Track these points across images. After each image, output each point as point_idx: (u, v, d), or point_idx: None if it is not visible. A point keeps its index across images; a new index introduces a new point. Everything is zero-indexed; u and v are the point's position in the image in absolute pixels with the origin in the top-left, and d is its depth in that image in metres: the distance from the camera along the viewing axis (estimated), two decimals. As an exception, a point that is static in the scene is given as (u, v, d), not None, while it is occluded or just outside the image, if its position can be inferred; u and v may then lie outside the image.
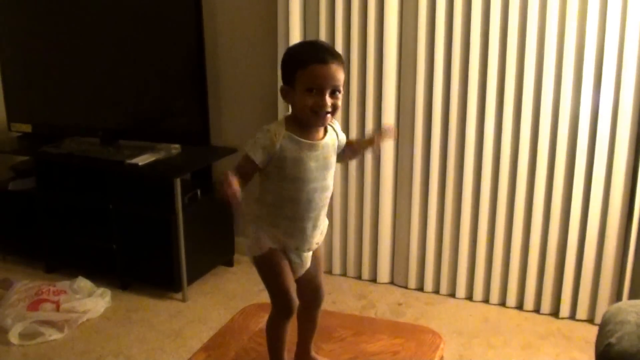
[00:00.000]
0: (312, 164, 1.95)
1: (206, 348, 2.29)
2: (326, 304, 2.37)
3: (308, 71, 1.88)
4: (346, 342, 2.29)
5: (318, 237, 2.08)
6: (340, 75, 1.91)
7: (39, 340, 3.39)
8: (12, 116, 4.31)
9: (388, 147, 3.71)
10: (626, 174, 3.27)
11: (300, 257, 2.06)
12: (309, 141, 1.95)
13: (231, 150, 4.02)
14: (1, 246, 4.31)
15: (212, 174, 4.16)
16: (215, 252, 4.12)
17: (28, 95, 4.27)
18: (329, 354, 2.20)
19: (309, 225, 2.02)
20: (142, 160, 3.76)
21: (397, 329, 2.42)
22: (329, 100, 1.89)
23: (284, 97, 1.96)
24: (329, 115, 1.92)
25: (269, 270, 2.03)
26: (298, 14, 3.74)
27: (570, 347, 3.29)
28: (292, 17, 3.72)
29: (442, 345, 2.29)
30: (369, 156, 2.11)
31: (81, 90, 4.12)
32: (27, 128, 4.27)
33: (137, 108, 4.04)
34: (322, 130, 2.00)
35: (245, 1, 3.99)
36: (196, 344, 2.96)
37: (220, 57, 4.09)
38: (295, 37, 3.74)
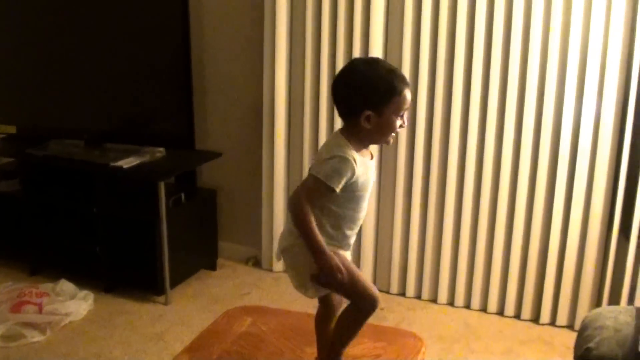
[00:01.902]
0: (371, 182, 2.04)
1: (189, 350, 2.30)
2: (309, 309, 2.39)
3: (402, 97, 1.95)
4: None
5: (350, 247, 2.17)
6: None
7: (21, 342, 3.38)
8: (-5, 117, 4.30)
9: (372, 149, 3.72)
10: (607, 183, 3.32)
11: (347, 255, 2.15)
12: (371, 160, 2.04)
13: (216, 155, 4.03)
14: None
15: (197, 177, 4.17)
16: (199, 256, 4.14)
17: (13, 97, 4.25)
18: (312, 356, 2.22)
19: (351, 241, 2.14)
20: (126, 163, 3.76)
21: (379, 333, 2.44)
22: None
23: (366, 122, 1.96)
24: None
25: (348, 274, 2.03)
26: (284, 20, 3.77)
27: (551, 353, 3.33)
28: (278, 23, 3.75)
29: (423, 349, 2.32)
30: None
31: (67, 92, 4.12)
32: (11, 129, 4.25)
33: (122, 111, 4.04)
34: (369, 149, 2.08)
35: (232, 7, 4.01)
36: (179, 347, 2.97)
37: (206, 62, 4.10)
38: (282, 44, 3.77)
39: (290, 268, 2.11)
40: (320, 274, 1.96)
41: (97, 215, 3.82)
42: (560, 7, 3.21)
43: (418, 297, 3.85)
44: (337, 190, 1.92)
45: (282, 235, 2.12)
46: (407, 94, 1.96)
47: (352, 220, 2.04)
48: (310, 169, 2.00)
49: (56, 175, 4.03)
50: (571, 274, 3.47)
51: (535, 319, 3.60)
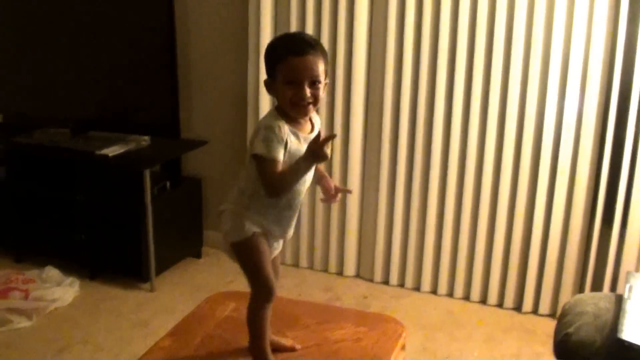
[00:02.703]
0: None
1: (172, 334, 2.32)
2: (292, 296, 2.41)
3: (286, 64, 1.92)
4: (310, 330, 2.33)
5: (291, 231, 2.14)
6: (319, 66, 1.94)
7: (7, 327, 3.40)
8: (-18, 105, 4.30)
9: (356, 142, 3.76)
10: (589, 173, 3.36)
11: (279, 243, 2.12)
12: (304, 134, 2.00)
13: (200, 143, 4.05)
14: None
15: (182, 166, 4.18)
16: (184, 244, 4.15)
17: (-1, 85, 4.26)
18: (293, 340, 2.24)
19: (293, 213, 2.08)
20: (112, 151, 3.78)
21: (360, 318, 2.46)
22: (308, 92, 1.93)
23: (269, 90, 2.00)
24: (310, 106, 1.96)
25: (252, 254, 2.04)
26: (269, 10, 3.77)
27: (533, 341, 3.36)
28: (263, 12, 3.76)
29: (404, 334, 2.34)
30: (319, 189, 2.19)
31: (53, 81, 4.13)
32: (-3, 118, 4.27)
33: (108, 100, 4.06)
34: (308, 123, 2.04)
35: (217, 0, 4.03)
36: (163, 333, 2.96)
37: (191, 51, 4.11)
38: (266, 32, 3.77)
39: (221, 230, 2.12)
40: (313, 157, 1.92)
41: (82, 203, 3.84)
42: (544, 7, 3.25)
43: (401, 285, 3.88)
44: (279, 157, 1.91)
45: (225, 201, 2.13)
46: (294, 61, 1.92)
47: (292, 194, 2.03)
48: (248, 149, 2.00)
49: (41, 164, 4.03)
50: (554, 262, 3.51)
51: (518, 307, 3.64)
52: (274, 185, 1.93)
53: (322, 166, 2.20)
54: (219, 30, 4.06)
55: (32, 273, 3.78)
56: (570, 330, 2.11)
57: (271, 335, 2.19)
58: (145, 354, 2.22)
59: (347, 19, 3.64)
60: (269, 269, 2.06)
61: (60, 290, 3.68)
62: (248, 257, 2.06)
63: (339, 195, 2.26)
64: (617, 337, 1.98)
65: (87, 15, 3.97)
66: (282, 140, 1.92)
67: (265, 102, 3.85)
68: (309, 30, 3.69)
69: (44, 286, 3.68)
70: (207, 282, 3.89)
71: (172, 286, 3.87)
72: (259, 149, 1.91)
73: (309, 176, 2.06)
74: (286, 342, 2.23)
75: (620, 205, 3.32)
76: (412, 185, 3.72)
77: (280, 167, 1.92)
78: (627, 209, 3.32)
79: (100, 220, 3.86)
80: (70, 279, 3.79)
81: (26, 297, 3.57)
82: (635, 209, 3.30)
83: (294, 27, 3.72)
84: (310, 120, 2.06)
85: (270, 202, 2.00)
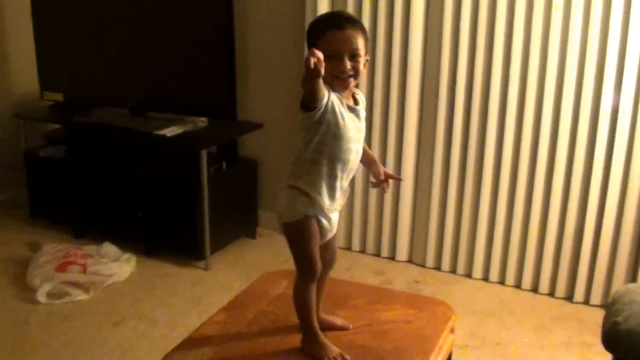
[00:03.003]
0: (351, 124, 2.02)
1: (226, 309, 2.38)
2: (341, 276, 2.44)
3: (326, 38, 1.96)
4: (361, 310, 2.36)
5: (342, 199, 2.15)
6: (358, 40, 1.97)
7: (66, 300, 3.51)
8: (44, 85, 4.41)
9: (411, 125, 3.78)
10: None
11: (329, 220, 2.13)
12: (355, 105, 2.05)
13: (257, 126, 4.11)
14: (32, 211, 4.43)
15: (238, 148, 4.24)
16: (239, 224, 4.23)
17: (61, 65, 4.36)
18: (344, 319, 2.28)
19: (339, 184, 2.09)
20: (170, 131, 3.86)
21: (411, 300, 2.49)
22: (348, 64, 1.96)
23: None
24: (351, 79, 1.99)
25: (302, 236, 2.08)
26: (325, 5, 3.81)
27: (582, 331, 3.35)
28: (320, 7, 3.80)
29: (453, 318, 2.36)
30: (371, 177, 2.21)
31: (112, 61, 4.22)
32: (59, 97, 4.36)
33: (166, 81, 4.12)
34: (351, 99, 2.07)
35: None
36: (217, 310, 3.05)
37: (248, 35, 4.17)
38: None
39: (276, 208, 2.16)
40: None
41: (140, 182, 3.93)
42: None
43: (453, 271, 3.89)
44: (318, 104, 1.94)
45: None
46: (333, 35, 1.96)
47: (331, 157, 2.03)
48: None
49: (101, 142, 4.14)
50: (606, 253, 3.49)
51: (569, 297, 3.63)
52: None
53: (373, 152, 2.22)
54: (276, 15, 4.11)
55: (90, 248, 3.88)
56: (619, 319, 2.11)
57: (323, 315, 2.24)
58: (200, 327, 2.29)
59: (403, 11, 3.66)
60: (316, 250, 2.10)
61: (117, 265, 3.77)
62: (297, 239, 2.10)
63: (390, 182, 2.29)
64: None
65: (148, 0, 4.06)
66: (328, 98, 1.96)
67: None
68: (365, 19, 3.71)
69: (102, 261, 3.78)
70: (261, 262, 3.95)
71: (226, 265, 3.94)
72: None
73: (354, 147, 2.07)
74: (338, 321, 2.27)
75: (677, 198, 3.29)
76: (465, 172, 3.72)
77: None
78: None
79: (157, 198, 3.95)
80: (127, 255, 3.88)
81: (84, 271, 3.67)
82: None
83: (351, 11, 3.74)
84: (354, 96, 2.09)
85: (318, 169, 2.03)
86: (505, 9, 3.42)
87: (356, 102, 2.09)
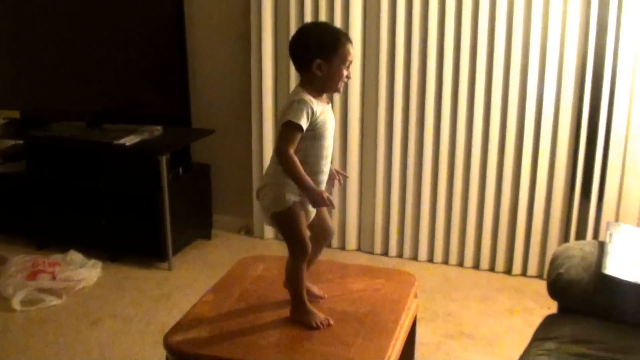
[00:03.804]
0: (330, 123, 2.34)
1: (213, 290, 2.62)
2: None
3: (346, 49, 2.28)
4: (334, 283, 2.64)
5: (323, 186, 2.43)
6: None
7: (40, 306, 3.67)
8: (0, 103, 4.55)
9: (354, 118, 4.11)
10: (568, 150, 3.72)
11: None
12: (327, 105, 2.35)
13: (209, 132, 4.33)
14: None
15: (191, 153, 4.47)
16: (196, 227, 4.46)
17: (15, 83, 4.53)
18: (319, 293, 2.55)
19: (324, 178, 2.39)
20: (128, 140, 4.05)
21: (377, 272, 2.79)
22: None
23: (317, 69, 2.28)
24: None
25: (292, 222, 2.33)
26: (269, 10, 4.08)
27: (524, 299, 3.70)
28: (264, 13, 4.07)
29: (416, 283, 2.66)
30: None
31: (67, 76, 4.40)
32: (15, 114, 4.52)
33: (121, 92, 4.34)
34: (325, 100, 2.37)
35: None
36: (185, 305, 3.20)
37: (198, 48, 4.40)
38: (267, 30, 4.10)
39: (261, 205, 2.43)
40: (313, 204, 2.30)
41: (102, 190, 4.12)
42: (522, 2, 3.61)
43: (400, 256, 4.20)
44: (304, 125, 2.24)
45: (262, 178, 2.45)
46: (350, 48, 2.30)
47: (317, 156, 2.33)
48: (279, 122, 2.31)
49: (60, 155, 4.30)
50: (539, 231, 3.86)
51: (508, 270, 3.98)
52: (285, 152, 2.24)
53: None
54: (224, 29, 4.36)
55: (56, 257, 4.03)
56: (561, 270, 2.44)
57: (308, 283, 2.51)
58: (193, 307, 2.52)
59: (342, 21, 3.96)
60: (306, 231, 2.37)
61: (85, 271, 3.94)
62: (288, 224, 2.35)
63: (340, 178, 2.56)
64: (602, 273, 2.32)
65: (101, 13, 4.25)
66: (312, 112, 2.25)
67: (268, 95, 4.19)
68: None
69: (69, 268, 3.94)
70: (219, 260, 4.17)
71: (187, 264, 4.17)
72: (290, 116, 2.24)
73: (332, 141, 2.38)
74: (317, 290, 2.54)
75: (597, 180, 3.67)
76: (406, 165, 4.05)
77: (299, 136, 2.25)
78: (603, 183, 3.68)
79: (119, 205, 4.16)
80: (92, 261, 4.04)
81: (54, 278, 3.83)
82: (610, 184, 3.66)
83: (293, 23, 4.02)
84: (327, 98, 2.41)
85: (305, 167, 2.29)
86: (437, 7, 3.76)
87: (328, 100, 2.39)
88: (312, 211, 2.42)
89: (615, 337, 2.22)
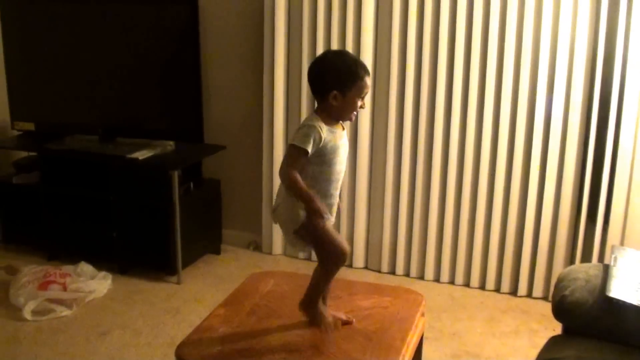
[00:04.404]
0: (342, 150, 2.39)
1: (224, 304, 2.66)
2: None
3: (363, 82, 2.35)
4: (343, 300, 2.68)
5: (334, 209, 2.49)
6: None
7: (51, 316, 3.72)
8: (15, 115, 4.62)
9: (364, 143, 4.16)
10: (575, 175, 3.77)
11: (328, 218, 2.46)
12: (342, 131, 2.40)
13: (220, 147, 4.40)
14: (3, 236, 4.64)
15: (202, 168, 4.53)
16: (205, 241, 4.51)
17: (31, 95, 4.59)
18: (329, 308, 2.59)
19: (333, 201, 2.44)
20: (141, 155, 4.12)
21: (385, 290, 2.84)
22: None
23: (333, 99, 2.34)
24: None
25: (316, 229, 2.36)
26: (282, 28, 4.15)
27: (528, 320, 3.74)
28: (277, 31, 4.14)
29: (423, 302, 2.71)
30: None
31: (82, 90, 4.47)
32: (29, 126, 4.58)
33: (135, 107, 4.40)
34: (341, 127, 2.43)
35: (235, 16, 4.40)
36: (194, 319, 3.31)
37: (212, 66, 4.47)
38: (280, 47, 4.16)
39: (280, 226, 2.48)
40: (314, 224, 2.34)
41: (114, 203, 4.18)
42: (532, 11, 3.65)
43: (407, 274, 4.25)
44: (309, 150, 2.29)
45: (275, 199, 2.50)
46: (367, 80, 2.36)
47: (327, 181, 2.39)
48: (288, 143, 2.38)
49: (73, 167, 4.37)
50: (545, 252, 3.90)
51: (514, 292, 4.02)
52: (289, 173, 2.30)
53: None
54: (237, 46, 4.44)
55: (67, 268, 4.08)
56: (566, 292, 2.48)
57: (330, 311, 2.55)
58: (205, 320, 2.56)
59: (354, 39, 4.03)
60: (336, 232, 2.43)
61: (95, 283, 4.00)
62: (313, 236, 2.39)
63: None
64: (606, 295, 2.36)
65: (116, 28, 4.32)
66: (319, 138, 2.31)
67: (279, 113, 4.26)
68: (319, 41, 4.09)
69: (80, 280, 4.00)
70: (228, 275, 4.24)
71: (196, 279, 4.22)
72: (297, 140, 2.30)
73: (344, 167, 2.43)
74: (343, 316, 2.56)
75: (602, 203, 3.71)
76: (415, 186, 4.10)
77: (304, 160, 2.30)
78: (609, 206, 3.71)
79: (130, 218, 4.21)
80: (103, 273, 4.10)
81: (64, 289, 3.89)
82: (616, 207, 3.70)
83: (306, 41, 4.10)
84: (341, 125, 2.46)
85: (315, 186, 2.35)
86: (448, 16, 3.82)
87: (343, 127, 2.45)
88: (331, 218, 2.46)
89: (619, 359, 2.26)
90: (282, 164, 2.35)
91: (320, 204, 2.30)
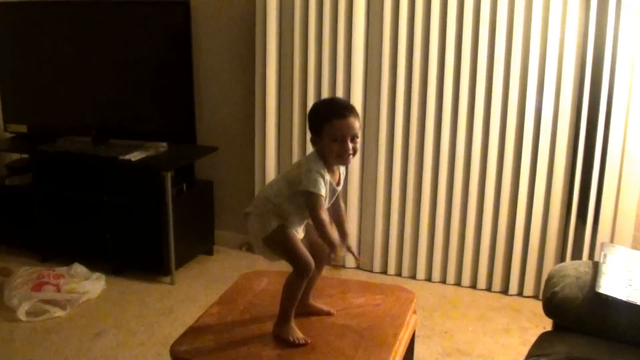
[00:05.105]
0: (330, 195, 2.43)
1: (219, 303, 2.69)
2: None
3: (332, 125, 2.34)
4: (336, 298, 2.71)
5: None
6: (357, 125, 2.37)
7: (45, 317, 3.74)
8: (8, 117, 4.64)
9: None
10: (565, 175, 3.80)
11: (298, 232, 2.51)
12: (334, 181, 2.43)
13: (212, 149, 4.42)
14: (-2, 238, 4.65)
15: (195, 169, 4.55)
16: (198, 242, 4.54)
17: (24, 97, 4.62)
18: (328, 306, 2.63)
19: (304, 216, 2.47)
20: (134, 156, 4.14)
21: (377, 288, 2.86)
22: (350, 146, 2.36)
23: (313, 144, 2.40)
24: (351, 157, 2.39)
25: (284, 241, 2.43)
26: (274, 31, 4.18)
27: (519, 318, 3.77)
28: (269, 34, 4.16)
29: (415, 300, 2.74)
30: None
31: (75, 92, 4.50)
32: (22, 128, 4.60)
33: (128, 109, 4.43)
34: (337, 172, 2.46)
35: (227, 18, 4.43)
36: (188, 319, 3.31)
37: (204, 68, 4.51)
38: (272, 50, 4.19)
39: (249, 231, 2.52)
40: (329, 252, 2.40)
41: (107, 205, 4.20)
42: (522, 14, 3.68)
43: (398, 274, 4.28)
44: (323, 193, 2.35)
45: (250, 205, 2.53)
46: (339, 123, 2.32)
47: (304, 213, 2.43)
48: (301, 183, 2.37)
49: (66, 169, 4.39)
50: (536, 251, 3.93)
51: (505, 290, 4.05)
52: (317, 216, 2.34)
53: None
54: (229, 49, 4.46)
55: (61, 269, 4.10)
56: (557, 289, 2.51)
57: (311, 301, 2.61)
58: (199, 318, 2.59)
59: (345, 44, 4.06)
60: (302, 247, 2.45)
61: (88, 284, 4.02)
62: (282, 244, 2.44)
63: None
64: (596, 292, 2.39)
65: (109, 30, 4.35)
66: (325, 180, 2.36)
67: (271, 114, 4.28)
68: (311, 45, 4.11)
69: (73, 281, 4.01)
70: (221, 275, 4.26)
71: (190, 279, 4.24)
72: (311, 187, 2.33)
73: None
74: (324, 307, 2.62)
75: (592, 204, 3.75)
76: (406, 185, 4.13)
77: (323, 199, 2.36)
78: (598, 205, 3.75)
79: (123, 220, 4.23)
80: (96, 275, 4.13)
81: (58, 290, 3.91)
82: (606, 206, 3.73)
83: (297, 44, 4.13)
84: (339, 169, 2.49)
85: (290, 212, 2.42)
86: (438, 17, 3.86)
87: (339, 180, 2.48)
88: (300, 233, 2.51)
89: (609, 354, 2.29)
90: (314, 214, 2.35)
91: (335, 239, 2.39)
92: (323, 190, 2.34)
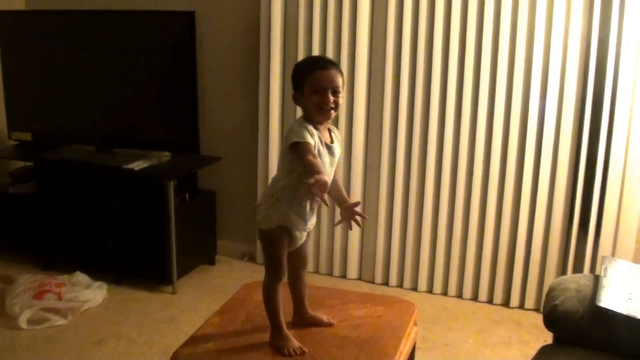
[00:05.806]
0: (326, 159, 2.38)
1: (219, 313, 2.69)
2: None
3: (313, 75, 2.34)
4: (337, 309, 2.71)
5: (313, 217, 2.51)
6: (339, 79, 2.36)
7: (46, 325, 3.74)
8: (12, 125, 4.67)
9: (358, 150, 4.19)
10: (567, 186, 3.81)
11: (301, 233, 2.49)
12: (327, 141, 2.40)
13: (216, 159, 4.44)
14: (1, 245, 4.64)
15: (198, 179, 4.56)
16: (200, 251, 4.54)
17: (28, 105, 4.64)
18: (329, 317, 2.62)
19: (309, 206, 2.45)
20: (137, 165, 4.15)
21: (378, 299, 2.87)
22: (331, 98, 2.34)
23: (296, 101, 2.40)
24: (332, 111, 2.36)
25: (273, 243, 2.43)
26: (278, 43, 4.19)
27: (520, 331, 3.77)
28: (273, 45, 4.18)
29: (415, 311, 2.74)
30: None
31: (79, 100, 4.52)
32: (26, 136, 4.62)
33: (132, 118, 4.45)
34: (327, 133, 2.44)
35: (232, 29, 4.45)
36: (189, 329, 3.29)
37: (208, 78, 4.53)
38: (276, 60, 4.20)
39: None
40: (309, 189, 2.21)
41: (109, 213, 4.21)
42: (525, 19, 3.70)
43: (400, 286, 4.28)
44: (310, 141, 2.27)
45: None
46: (320, 73, 2.31)
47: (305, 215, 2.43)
48: (283, 144, 2.36)
49: (71, 177, 4.40)
50: (537, 264, 3.93)
51: (506, 303, 4.05)
52: (307, 159, 2.25)
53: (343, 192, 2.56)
54: (233, 59, 4.48)
55: (63, 278, 4.11)
56: (557, 302, 2.51)
57: (311, 312, 2.60)
58: (200, 328, 2.59)
59: (349, 51, 4.07)
60: (284, 255, 2.45)
61: (90, 292, 4.02)
62: (269, 244, 2.45)
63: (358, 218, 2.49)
64: (596, 305, 2.39)
65: (114, 40, 4.37)
66: (312, 134, 2.32)
67: (275, 125, 4.29)
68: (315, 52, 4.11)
69: (75, 289, 4.02)
70: (223, 285, 4.26)
71: (191, 289, 4.24)
72: (295, 137, 2.29)
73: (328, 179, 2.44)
74: (325, 318, 2.61)
75: (594, 215, 3.75)
76: (408, 197, 4.14)
77: (312, 147, 2.29)
78: (600, 218, 3.75)
79: (125, 228, 4.24)
80: (98, 283, 4.13)
81: (60, 299, 3.91)
82: (607, 219, 3.74)
83: (301, 57, 4.11)
84: (330, 132, 2.46)
85: (295, 195, 2.38)
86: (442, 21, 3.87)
87: (332, 139, 2.45)
88: (300, 238, 2.49)
89: (608, 368, 2.30)
90: (306, 164, 2.26)
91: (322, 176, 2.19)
92: (309, 139, 2.29)
